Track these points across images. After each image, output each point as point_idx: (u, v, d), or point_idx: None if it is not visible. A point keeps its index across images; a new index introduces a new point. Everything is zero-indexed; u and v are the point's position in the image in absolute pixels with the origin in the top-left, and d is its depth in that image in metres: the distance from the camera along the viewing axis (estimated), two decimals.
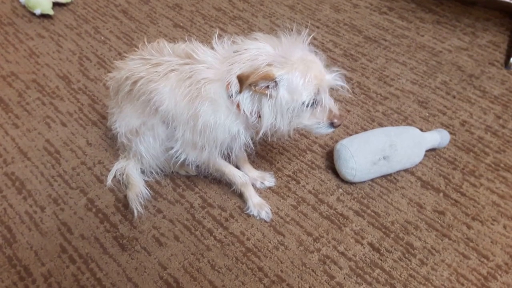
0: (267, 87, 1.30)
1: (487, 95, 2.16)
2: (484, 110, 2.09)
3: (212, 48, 1.46)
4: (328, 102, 1.36)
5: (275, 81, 1.28)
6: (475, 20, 2.60)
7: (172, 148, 1.59)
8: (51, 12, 2.66)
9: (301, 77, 1.28)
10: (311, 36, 1.37)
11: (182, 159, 1.59)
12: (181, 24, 2.63)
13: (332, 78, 1.34)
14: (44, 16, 2.68)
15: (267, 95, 1.31)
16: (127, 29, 2.60)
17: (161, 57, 1.50)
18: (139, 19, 2.67)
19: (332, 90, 1.40)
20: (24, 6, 2.72)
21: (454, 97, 2.15)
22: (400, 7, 2.72)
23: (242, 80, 1.28)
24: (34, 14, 2.67)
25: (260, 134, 1.43)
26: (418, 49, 2.42)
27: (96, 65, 2.36)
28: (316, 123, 1.39)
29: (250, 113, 1.37)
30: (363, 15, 2.68)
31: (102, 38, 2.54)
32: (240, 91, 1.32)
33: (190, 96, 1.41)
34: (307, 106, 1.33)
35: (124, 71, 1.57)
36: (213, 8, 2.74)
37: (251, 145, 1.57)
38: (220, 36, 1.47)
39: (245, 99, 1.35)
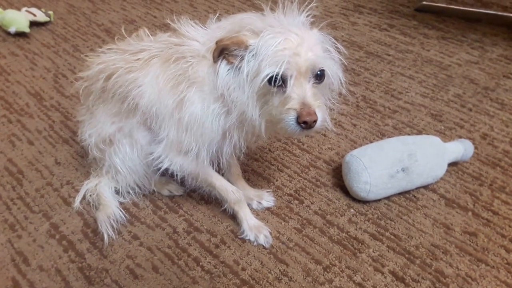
0: (242, 58, 1.10)
1: (506, 107, 1.94)
2: (506, 123, 1.86)
3: (205, 27, 1.26)
4: (298, 88, 1.07)
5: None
6: (482, 36, 2.44)
7: (152, 153, 1.33)
8: (27, 30, 2.46)
9: (273, 47, 1.04)
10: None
11: (164, 167, 1.32)
12: None
13: (314, 58, 1.06)
14: (19, 35, 2.48)
15: (234, 64, 1.11)
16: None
17: (142, 43, 1.31)
18: (123, 38, 2.47)
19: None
20: None
21: (470, 109, 1.93)
22: (401, 24, 2.56)
23: (216, 44, 1.11)
24: (9, 33, 2.47)
25: (234, 118, 1.17)
26: (424, 63, 2.23)
27: (73, 82, 2.12)
28: (284, 112, 1.07)
29: (227, 90, 1.13)
30: (362, 32, 2.51)
31: (82, 56, 2.32)
32: (213, 57, 1.12)
33: (176, 80, 1.19)
34: (272, 84, 1.06)
35: (97, 65, 1.35)
36: None
37: (244, 148, 1.33)
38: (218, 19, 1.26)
39: (223, 72, 1.12)
